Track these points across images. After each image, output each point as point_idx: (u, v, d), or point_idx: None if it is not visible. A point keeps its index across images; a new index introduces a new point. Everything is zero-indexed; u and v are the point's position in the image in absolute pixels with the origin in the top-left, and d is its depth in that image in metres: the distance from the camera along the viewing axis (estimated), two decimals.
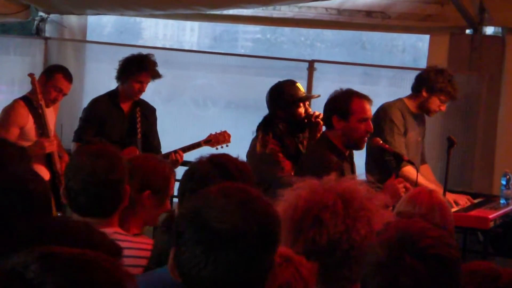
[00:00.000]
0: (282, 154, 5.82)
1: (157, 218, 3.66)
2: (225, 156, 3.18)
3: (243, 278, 2.11)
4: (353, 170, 5.24)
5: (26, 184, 2.83)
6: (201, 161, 3.15)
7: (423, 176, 6.37)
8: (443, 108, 6.35)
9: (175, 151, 6.41)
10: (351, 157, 5.28)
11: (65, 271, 1.56)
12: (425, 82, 6.26)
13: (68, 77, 6.39)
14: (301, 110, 5.92)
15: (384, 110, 6.29)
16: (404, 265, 2.15)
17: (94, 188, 3.20)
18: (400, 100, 6.38)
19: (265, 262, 2.14)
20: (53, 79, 6.29)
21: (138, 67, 6.46)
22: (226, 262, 2.09)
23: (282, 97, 5.91)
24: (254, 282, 2.13)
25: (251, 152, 5.93)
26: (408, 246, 2.17)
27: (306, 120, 5.95)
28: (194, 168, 3.14)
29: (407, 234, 2.21)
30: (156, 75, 6.54)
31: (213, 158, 3.14)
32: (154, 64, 6.53)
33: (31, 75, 6.19)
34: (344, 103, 5.13)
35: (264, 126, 5.93)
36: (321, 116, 5.74)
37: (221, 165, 3.07)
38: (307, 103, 6.01)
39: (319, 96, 6.29)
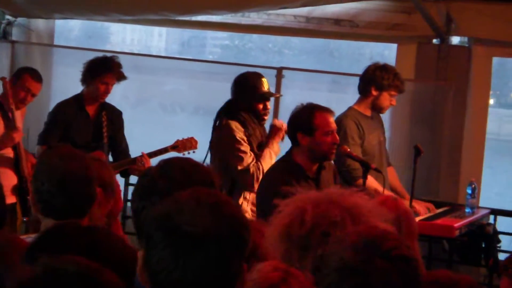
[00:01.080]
0: (250, 141, 5.84)
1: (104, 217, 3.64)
2: (177, 158, 3.07)
3: (212, 282, 2.11)
4: (319, 187, 5.21)
5: None
6: (152, 167, 3.11)
7: (388, 181, 6.42)
8: (394, 102, 6.38)
9: (141, 155, 6.39)
10: (319, 171, 5.26)
11: None
12: (372, 81, 6.29)
13: (36, 77, 6.35)
14: (260, 106, 5.92)
15: (338, 123, 6.29)
16: (374, 267, 2.16)
17: (72, 187, 3.18)
18: (350, 108, 6.37)
19: (234, 267, 2.14)
20: (21, 79, 6.26)
21: (103, 68, 6.46)
22: (195, 265, 2.09)
23: (245, 86, 5.93)
24: (223, 286, 2.14)
25: (216, 142, 5.92)
26: (376, 249, 2.19)
27: (265, 118, 5.96)
28: (144, 171, 3.09)
29: (372, 238, 2.23)
30: (121, 77, 6.53)
31: (165, 159, 3.08)
32: (119, 65, 6.52)
33: (3, 78, 6.13)
34: (307, 119, 5.13)
35: (227, 112, 5.93)
36: (284, 127, 5.77)
37: (166, 165, 2.99)
38: (267, 102, 5.97)
39: (281, 95, 6.31)
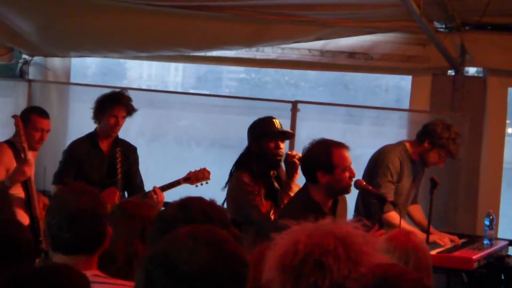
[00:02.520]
0: (261, 191, 5.86)
1: None
2: (193, 200, 3.15)
3: None
4: None
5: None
6: (172, 204, 3.14)
7: (412, 216, 6.40)
8: (441, 164, 6.41)
9: (153, 190, 6.39)
10: (335, 206, 5.26)
11: None
12: (430, 134, 6.33)
13: (44, 114, 6.39)
14: (272, 145, 5.93)
15: (383, 154, 6.34)
16: None
17: (80, 222, 3.19)
18: (402, 144, 6.43)
19: None
20: (31, 122, 6.28)
21: (111, 102, 6.53)
22: None
23: (256, 130, 5.99)
24: None
25: (229, 193, 6.00)
26: None
27: (278, 158, 5.98)
28: (163, 211, 3.13)
29: (386, 279, 2.21)
30: (131, 109, 6.57)
31: (182, 200, 3.12)
32: (127, 98, 6.58)
33: (15, 116, 6.17)
34: (325, 157, 5.11)
35: (239, 163, 6.01)
36: (297, 156, 5.80)
37: (186, 208, 3.04)
38: (280, 142, 5.99)
39: (292, 132, 6.33)
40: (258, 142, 5.95)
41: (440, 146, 6.30)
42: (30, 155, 6.39)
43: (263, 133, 5.95)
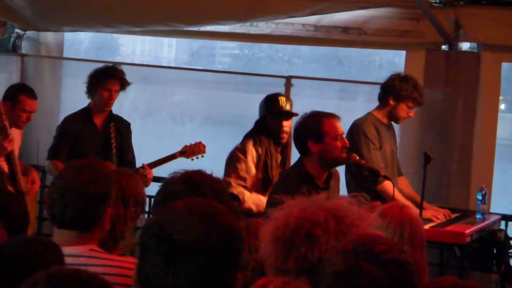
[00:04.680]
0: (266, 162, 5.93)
1: None
2: (200, 175, 3.17)
3: None
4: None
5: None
6: (174, 180, 3.14)
7: (401, 190, 6.41)
8: (412, 114, 6.41)
9: (142, 166, 6.44)
10: (328, 180, 5.28)
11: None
12: (391, 90, 6.33)
13: (32, 95, 6.32)
14: (275, 123, 6.07)
15: (357, 126, 6.33)
16: (362, 271, 2.21)
17: (68, 198, 3.19)
18: (370, 114, 6.43)
19: (226, 276, 2.15)
20: (19, 102, 6.23)
21: (104, 75, 6.51)
22: (186, 274, 2.11)
23: (262, 106, 6.15)
24: None
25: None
26: (363, 253, 2.23)
27: (281, 136, 6.09)
28: (168, 188, 3.13)
29: (361, 242, 2.26)
30: (125, 83, 6.56)
31: (187, 177, 3.13)
32: (121, 72, 6.57)
33: None
34: (315, 126, 5.16)
35: (251, 131, 6.16)
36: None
37: (195, 184, 3.06)
38: (283, 121, 6.08)
39: (296, 114, 6.27)
40: (262, 118, 6.11)
41: (405, 97, 6.32)
42: (14, 131, 6.37)
43: (268, 111, 6.08)
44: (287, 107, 6.14)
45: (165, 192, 3.10)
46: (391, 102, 6.34)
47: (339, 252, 2.27)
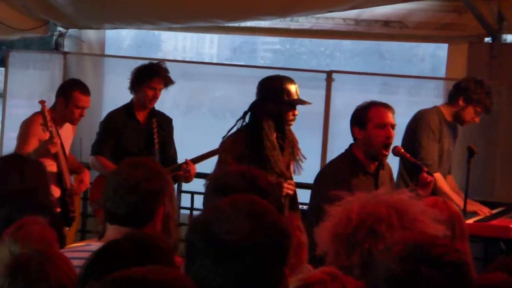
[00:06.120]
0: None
1: None
2: (255, 171, 3.15)
3: None
4: (377, 185, 5.15)
5: None
6: (230, 175, 3.11)
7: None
8: (477, 119, 6.40)
9: (185, 162, 6.41)
10: (378, 170, 5.18)
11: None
12: (464, 91, 6.31)
13: (85, 91, 6.39)
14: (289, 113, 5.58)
15: (421, 114, 6.34)
16: (421, 276, 2.14)
17: (121, 193, 3.18)
18: (436, 107, 6.44)
19: (274, 275, 2.14)
20: (73, 99, 6.29)
21: (149, 74, 6.52)
22: (234, 273, 2.10)
23: (271, 90, 5.59)
24: None
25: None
26: (421, 257, 2.16)
27: (290, 124, 5.64)
28: (224, 182, 3.06)
29: (418, 245, 2.20)
30: (169, 81, 6.57)
31: (243, 172, 3.10)
32: (165, 70, 6.57)
33: (42, 102, 6.11)
34: (361, 112, 5.12)
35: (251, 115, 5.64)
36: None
37: (253, 179, 3.03)
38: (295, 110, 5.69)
39: (310, 103, 5.91)
40: (272, 105, 5.53)
41: (475, 101, 6.29)
42: (69, 128, 6.43)
43: (279, 99, 5.51)
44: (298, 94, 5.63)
45: (221, 186, 3.05)
46: (461, 102, 6.31)
47: (395, 256, 2.19)
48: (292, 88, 5.60)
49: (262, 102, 5.59)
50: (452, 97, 6.41)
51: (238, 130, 5.64)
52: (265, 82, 5.68)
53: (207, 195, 3.12)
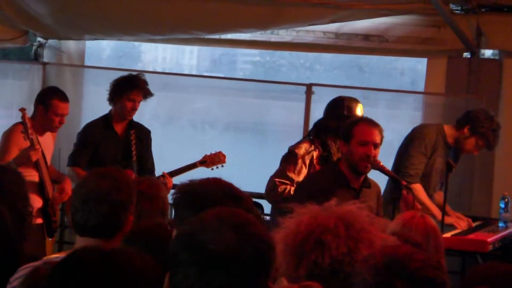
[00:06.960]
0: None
1: None
2: (221, 180, 3.11)
3: None
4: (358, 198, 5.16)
5: None
6: (202, 185, 3.06)
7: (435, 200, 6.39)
8: (476, 152, 6.39)
9: (162, 175, 6.43)
10: (362, 187, 5.21)
11: None
12: (472, 121, 6.30)
13: (64, 98, 6.34)
14: None
15: (421, 127, 6.40)
16: None
17: (90, 204, 3.18)
18: (440, 125, 6.47)
19: (259, 285, 2.14)
20: (51, 106, 6.24)
21: (129, 85, 6.51)
22: (219, 284, 2.10)
23: (338, 109, 6.00)
24: None
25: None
26: (397, 271, 2.17)
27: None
28: (198, 192, 3.02)
29: (395, 259, 2.22)
30: (148, 93, 6.57)
31: (214, 181, 3.06)
32: (145, 82, 6.57)
33: (22, 110, 6.09)
34: (348, 128, 5.16)
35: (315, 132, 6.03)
36: None
37: (226, 187, 2.99)
38: None
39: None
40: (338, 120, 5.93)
41: (480, 134, 6.28)
42: (49, 137, 6.40)
43: (346, 114, 5.95)
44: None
45: (196, 196, 2.98)
46: (466, 131, 6.32)
47: (371, 268, 2.21)
48: (357, 105, 6.07)
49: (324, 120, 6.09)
50: (459, 123, 6.41)
51: None
52: (333, 102, 6.15)
53: (180, 206, 3.06)
